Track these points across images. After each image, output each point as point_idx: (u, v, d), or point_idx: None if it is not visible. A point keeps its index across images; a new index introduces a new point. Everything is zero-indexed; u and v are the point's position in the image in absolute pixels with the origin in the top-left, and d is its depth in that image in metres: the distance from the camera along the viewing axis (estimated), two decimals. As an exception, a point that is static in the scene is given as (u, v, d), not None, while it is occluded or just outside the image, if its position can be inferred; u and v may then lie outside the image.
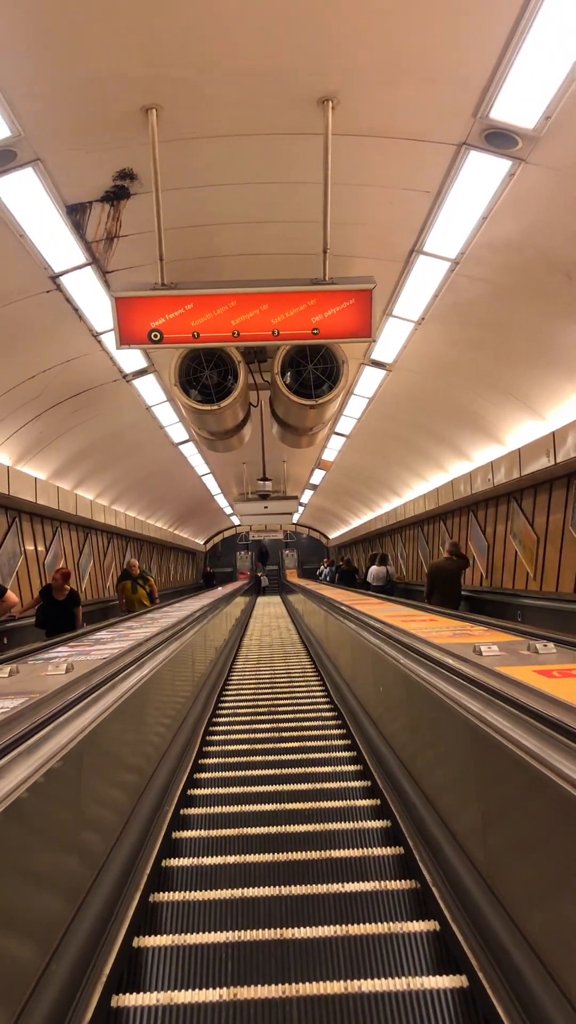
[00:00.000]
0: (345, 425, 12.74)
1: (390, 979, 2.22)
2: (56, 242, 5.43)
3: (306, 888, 2.85)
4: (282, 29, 3.70)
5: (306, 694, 7.47)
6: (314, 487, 22.07)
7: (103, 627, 6.27)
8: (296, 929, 2.51)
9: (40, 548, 11.86)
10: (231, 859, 3.21)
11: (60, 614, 8.51)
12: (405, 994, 2.14)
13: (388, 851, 3.27)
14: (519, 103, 4.08)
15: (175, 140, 4.46)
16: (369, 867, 3.11)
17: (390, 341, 8.11)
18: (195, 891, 2.89)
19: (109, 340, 7.55)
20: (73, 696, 2.63)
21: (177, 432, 12.68)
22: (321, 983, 2.19)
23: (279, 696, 7.36)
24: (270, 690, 7.83)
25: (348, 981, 2.20)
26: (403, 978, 2.22)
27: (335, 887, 2.86)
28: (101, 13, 3.52)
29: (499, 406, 9.05)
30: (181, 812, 3.87)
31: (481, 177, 4.71)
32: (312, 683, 8.18)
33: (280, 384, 7.00)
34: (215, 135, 4.54)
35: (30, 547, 11.38)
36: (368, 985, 2.18)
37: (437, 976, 2.23)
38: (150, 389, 9.76)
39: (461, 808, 2.82)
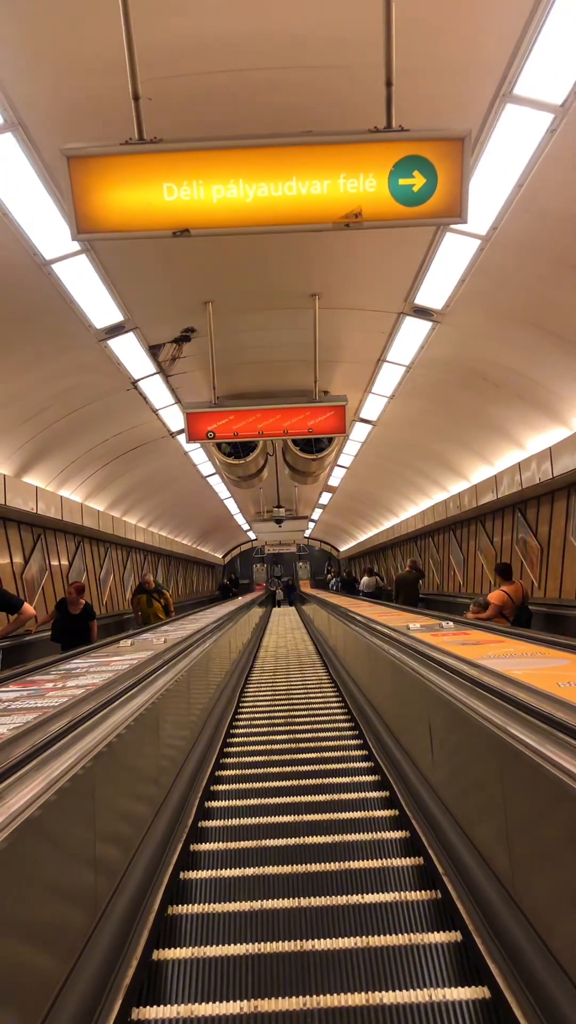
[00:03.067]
0: (345, 460, 15.47)
1: (412, 991, 2.18)
2: (138, 364, 8.20)
3: (325, 900, 2.82)
4: (288, 268, 6.45)
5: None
6: (323, 506, 24.82)
7: (163, 624, 8.99)
8: (316, 941, 2.48)
9: (94, 565, 14.63)
10: (250, 871, 3.16)
11: (75, 628, 8.55)
12: (427, 1006, 2.11)
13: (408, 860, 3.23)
14: (430, 297, 6.79)
15: (222, 314, 7.21)
16: (389, 878, 3.09)
17: (372, 407, 10.84)
18: (214, 903, 2.87)
19: (163, 413, 10.33)
20: (168, 656, 5.28)
21: (206, 468, 15.46)
22: (342, 995, 2.16)
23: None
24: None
25: (369, 993, 2.17)
26: (425, 990, 2.18)
27: (355, 898, 2.82)
28: (184, 259, 6.27)
29: (459, 453, 11.77)
30: (206, 805, 4.13)
31: (414, 329, 7.44)
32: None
33: (290, 444, 9.76)
34: (247, 310, 7.31)
35: (89, 564, 14.15)
36: (390, 997, 2.15)
37: (460, 988, 2.19)
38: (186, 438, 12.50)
39: (417, 738, 5.42)
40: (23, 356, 7.06)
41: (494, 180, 4.75)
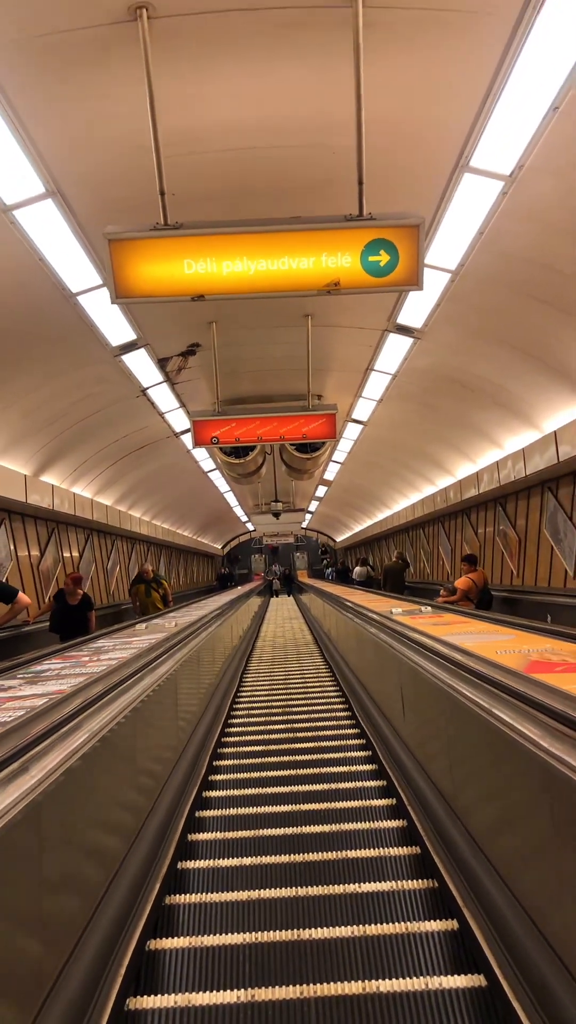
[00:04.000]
0: (339, 456, 16.30)
1: (408, 979, 2.19)
2: (148, 374, 9.00)
3: (322, 889, 2.85)
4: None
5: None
6: (319, 499, 25.65)
7: (168, 613, 9.83)
8: (313, 930, 2.50)
9: (101, 557, 15.46)
10: (247, 861, 3.18)
11: (73, 618, 8.57)
12: (424, 994, 2.12)
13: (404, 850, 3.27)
14: (410, 318, 7.60)
15: (225, 331, 8.01)
16: (386, 867, 3.12)
17: (363, 409, 11.67)
18: (212, 893, 2.89)
19: (169, 416, 11.14)
20: (182, 637, 6.14)
21: (207, 464, 16.28)
22: (339, 984, 2.17)
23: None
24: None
25: (366, 981, 2.18)
26: (422, 978, 2.20)
27: (351, 887, 2.85)
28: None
29: (444, 451, 12.61)
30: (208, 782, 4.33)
31: (398, 343, 8.27)
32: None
33: (286, 444, 10.57)
34: (247, 327, 8.12)
35: (97, 556, 14.98)
36: (386, 985, 2.16)
37: (456, 976, 2.20)
38: (191, 439, 13.32)
39: (390, 700, 6.30)
40: (47, 370, 7.87)
41: (460, 228, 5.58)
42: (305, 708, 6.66)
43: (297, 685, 8.01)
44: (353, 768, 4.52)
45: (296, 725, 5.92)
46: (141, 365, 8.56)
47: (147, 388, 9.53)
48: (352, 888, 2.85)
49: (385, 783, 4.06)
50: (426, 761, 3.83)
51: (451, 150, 4.65)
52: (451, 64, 3.91)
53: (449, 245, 5.82)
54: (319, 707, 6.67)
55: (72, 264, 5.75)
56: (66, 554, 12.95)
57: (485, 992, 2.10)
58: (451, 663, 3.43)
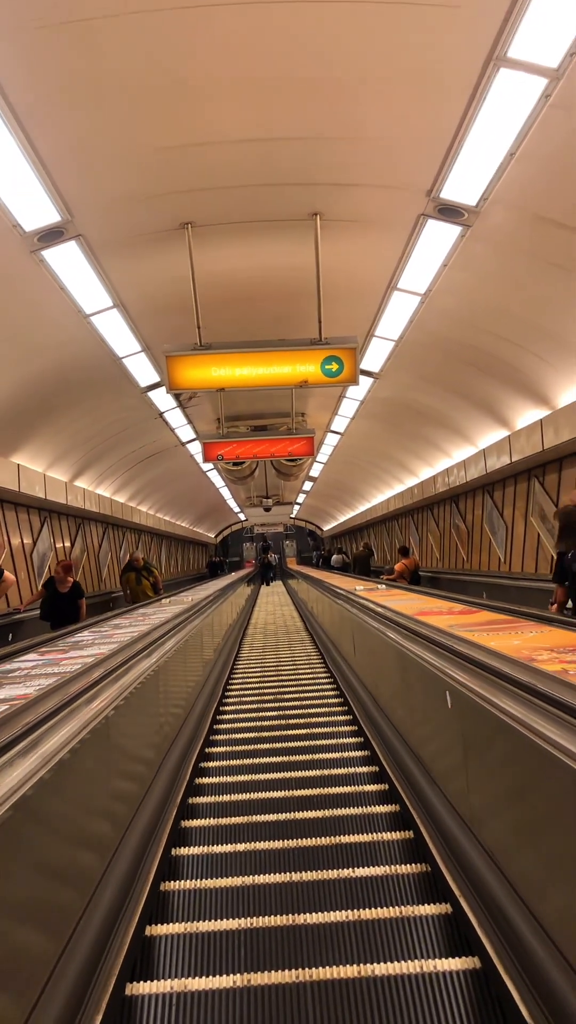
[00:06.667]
0: (323, 457, 18.72)
1: (403, 962, 2.20)
2: (165, 402, 11.34)
3: (317, 874, 2.87)
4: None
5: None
6: (306, 492, 28.07)
7: (172, 594, 12.21)
8: (308, 915, 2.52)
9: (114, 546, 17.83)
10: (241, 847, 3.23)
11: (65, 606, 8.57)
12: (419, 976, 2.14)
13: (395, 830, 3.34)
14: (369, 364, 9.94)
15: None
16: (379, 851, 3.14)
17: (339, 423, 14.06)
18: (206, 879, 2.91)
19: (178, 431, 13.49)
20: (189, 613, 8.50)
21: (206, 464, 18.63)
22: (334, 967, 2.19)
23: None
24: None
25: (361, 965, 2.20)
26: (416, 961, 2.21)
27: (346, 872, 2.87)
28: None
29: (407, 457, 15.05)
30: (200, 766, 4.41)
31: (363, 381, 10.62)
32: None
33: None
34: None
35: (112, 545, 17.34)
36: (381, 969, 2.17)
37: (450, 958, 2.22)
38: (195, 447, 15.68)
39: (378, 680, 8.74)
40: (91, 405, 10.20)
41: (396, 318, 7.96)
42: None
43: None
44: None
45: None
46: (161, 397, 10.90)
47: (163, 412, 11.87)
48: (345, 871, 2.93)
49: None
50: (363, 673, 6.25)
51: (383, 280, 7.03)
52: (374, 244, 6.29)
53: (391, 326, 8.21)
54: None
55: (122, 341, 8.09)
56: (89, 544, 15.31)
57: (480, 973, 2.13)
58: (381, 616, 5.84)
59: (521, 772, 2.18)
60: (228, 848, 3.23)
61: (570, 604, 6.29)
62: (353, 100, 4.41)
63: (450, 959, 2.21)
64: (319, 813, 3.58)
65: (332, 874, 2.89)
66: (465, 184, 5.17)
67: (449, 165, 4.93)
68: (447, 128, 4.54)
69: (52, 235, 5.42)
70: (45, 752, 2.01)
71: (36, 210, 5.14)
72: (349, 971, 2.16)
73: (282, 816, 3.59)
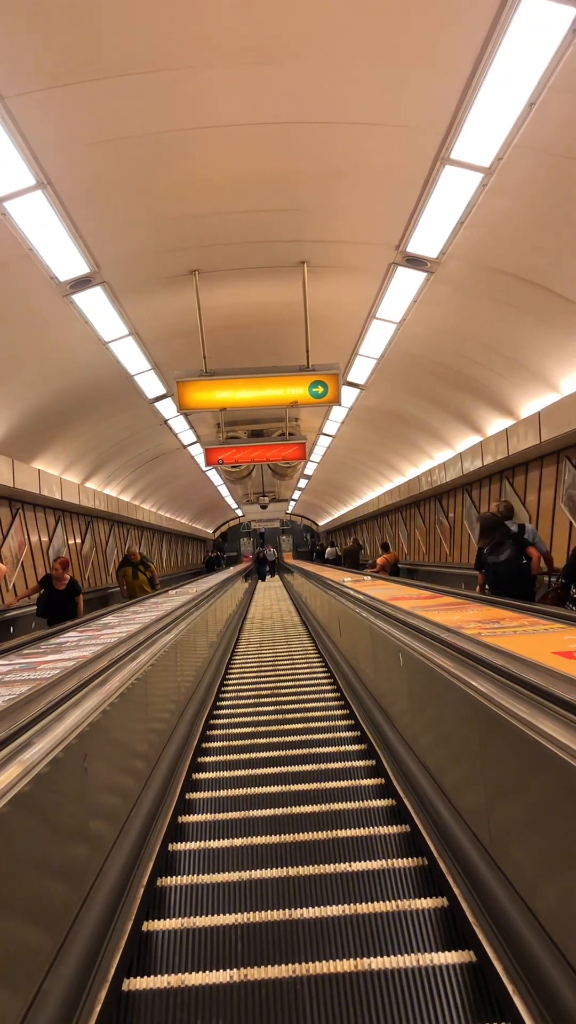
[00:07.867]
0: (316, 457, 19.78)
1: (399, 956, 2.21)
2: (169, 410, 12.39)
3: (313, 868, 2.89)
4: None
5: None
6: (302, 489, 29.16)
7: (173, 587, 13.28)
8: (304, 909, 2.54)
9: (119, 542, 18.88)
10: (238, 841, 3.23)
11: (62, 603, 8.58)
12: (415, 970, 2.15)
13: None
14: (356, 376, 11.00)
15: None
16: (376, 845, 3.17)
17: (330, 428, 15.11)
18: (203, 874, 2.93)
19: (180, 435, 14.55)
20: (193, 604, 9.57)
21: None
22: (331, 962, 2.20)
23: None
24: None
25: (358, 959, 2.21)
26: (412, 955, 2.22)
27: (342, 866, 2.89)
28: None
29: (394, 458, 16.13)
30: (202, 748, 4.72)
31: (350, 391, 11.68)
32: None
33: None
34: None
35: (117, 541, 18.40)
36: (377, 963, 2.19)
37: (446, 952, 2.24)
38: (196, 449, 16.75)
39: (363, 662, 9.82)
40: (103, 415, 11.25)
41: (376, 341, 9.03)
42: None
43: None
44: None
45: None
46: (167, 407, 11.95)
47: (168, 419, 12.92)
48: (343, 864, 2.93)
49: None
50: (342, 647, 7.32)
51: (363, 311, 8.10)
52: (354, 283, 7.37)
53: (373, 346, 9.28)
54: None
55: (134, 361, 9.15)
56: (98, 541, 16.37)
57: (475, 967, 2.15)
58: (366, 603, 6.91)
59: (443, 704, 3.01)
60: (225, 843, 3.24)
61: (488, 586, 7.31)
62: (333, 186, 5.48)
63: (446, 952, 2.24)
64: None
65: (328, 868, 2.91)
66: (427, 241, 6.24)
67: (411, 229, 6.00)
68: (406, 206, 5.62)
69: (81, 283, 6.48)
70: (43, 746, 2.04)
71: (70, 265, 6.20)
72: (345, 965, 2.18)
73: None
